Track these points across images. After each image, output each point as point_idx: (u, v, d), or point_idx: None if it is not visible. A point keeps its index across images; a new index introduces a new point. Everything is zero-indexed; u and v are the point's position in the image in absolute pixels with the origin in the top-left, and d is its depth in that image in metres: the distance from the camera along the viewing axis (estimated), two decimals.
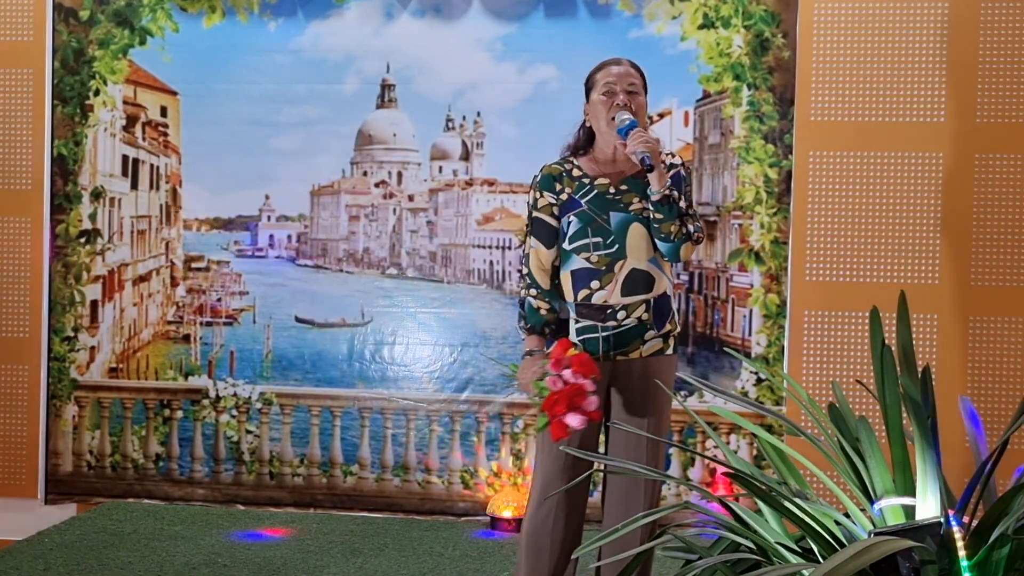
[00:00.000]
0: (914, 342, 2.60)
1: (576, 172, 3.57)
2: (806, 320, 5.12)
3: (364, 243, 5.65)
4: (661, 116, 5.30)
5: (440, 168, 5.58)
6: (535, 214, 3.59)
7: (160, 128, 5.61)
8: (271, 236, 5.68)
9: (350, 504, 5.49)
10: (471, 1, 5.40)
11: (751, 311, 5.22)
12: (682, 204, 3.47)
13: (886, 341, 2.45)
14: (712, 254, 5.28)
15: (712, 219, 5.26)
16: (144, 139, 5.62)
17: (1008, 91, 4.98)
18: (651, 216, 3.43)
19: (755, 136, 5.17)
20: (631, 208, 3.49)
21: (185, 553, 4.76)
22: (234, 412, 5.57)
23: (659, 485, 3.54)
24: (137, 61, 5.57)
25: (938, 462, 2.36)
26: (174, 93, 5.59)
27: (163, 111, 5.60)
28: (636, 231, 3.48)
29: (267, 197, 5.63)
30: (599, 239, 3.49)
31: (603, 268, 3.48)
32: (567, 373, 3.31)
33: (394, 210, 5.65)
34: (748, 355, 5.18)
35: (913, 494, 2.35)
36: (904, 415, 2.43)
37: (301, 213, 5.66)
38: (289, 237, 5.68)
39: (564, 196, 3.55)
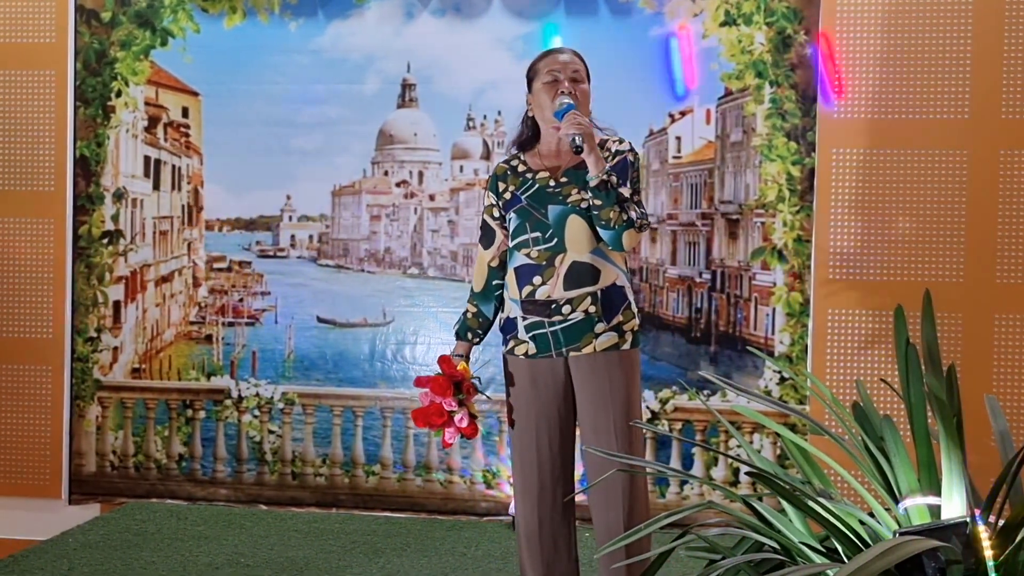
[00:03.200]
0: (939, 340, 2.58)
1: (521, 168, 3.57)
2: (829, 318, 5.09)
3: (385, 243, 5.66)
4: (683, 114, 5.28)
5: (461, 167, 5.58)
6: (482, 215, 3.63)
7: (182, 129, 5.62)
8: (292, 236, 5.68)
9: (372, 504, 5.49)
10: (492, 0, 5.40)
11: (774, 309, 5.19)
12: (625, 191, 3.41)
13: (911, 339, 2.43)
14: (735, 252, 5.26)
15: (735, 217, 5.24)
16: (166, 140, 5.64)
17: None
18: (590, 203, 3.38)
19: (777, 134, 5.14)
20: (569, 200, 3.45)
21: (208, 553, 4.77)
22: (256, 412, 5.58)
23: (640, 477, 3.50)
24: (159, 62, 5.59)
25: (964, 461, 2.35)
26: (195, 94, 5.60)
27: (184, 112, 5.62)
28: (575, 223, 3.44)
29: (288, 197, 5.64)
30: (538, 234, 3.47)
31: (543, 263, 3.45)
32: (427, 392, 3.46)
33: (415, 210, 5.65)
34: (771, 354, 5.16)
35: (938, 493, 2.34)
36: (929, 414, 2.41)
37: (322, 213, 5.66)
38: (310, 237, 5.69)
39: (507, 195, 3.54)
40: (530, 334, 3.47)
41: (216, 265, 5.67)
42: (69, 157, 5.56)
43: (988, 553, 2.17)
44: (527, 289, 3.46)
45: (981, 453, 3.14)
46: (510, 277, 3.52)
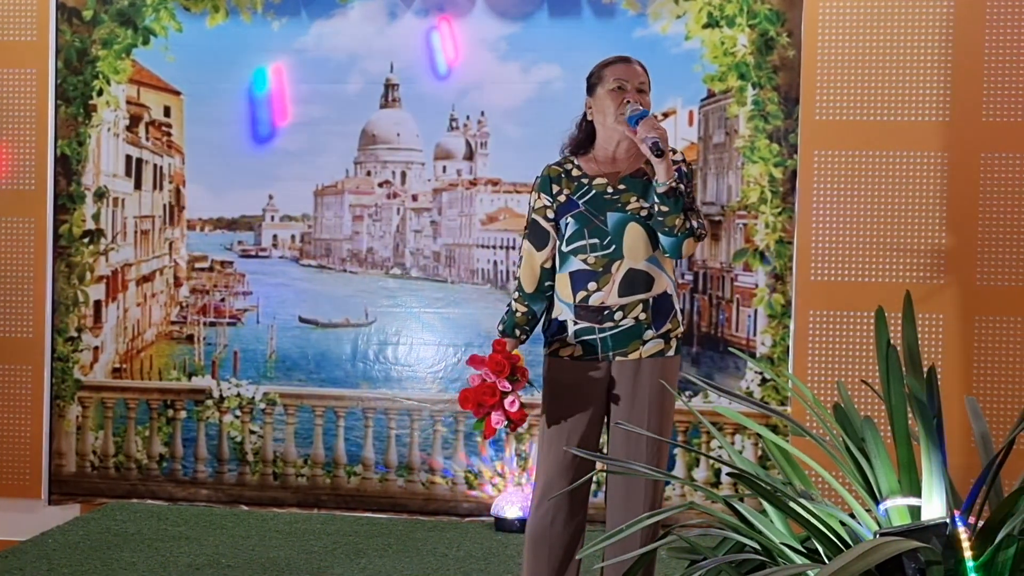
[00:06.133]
0: (919, 342, 2.59)
1: (575, 172, 3.54)
2: (811, 320, 5.10)
3: (368, 243, 5.65)
4: (665, 115, 5.28)
5: (444, 168, 5.57)
6: (532, 216, 3.59)
7: (163, 128, 5.60)
8: (275, 236, 5.67)
9: (354, 505, 5.49)
10: (475, 1, 5.39)
11: (756, 311, 5.20)
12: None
13: (891, 341, 2.44)
14: (717, 254, 5.27)
15: (717, 219, 5.25)
16: (147, 139, 5.62)
17: (1013, 90, 4.97)
18: (656, 209, 3.39)
19: (760, 135, 5.16)
20: (628, 208, 3.46)
21: (189, 554, 4.75)
22: (238, 412, 5.57)
23: (661, 485, 3.52)
24: (140, 61, 5.57)
25: (944, 462, 2.35)
26: (177, 93, 5.59)
27: (166, 111, 5.60)
28: (633, 231, 3.45)
29: (271, 197, 5.63)
30: (596, 240, 3.47)
31: (600, 269, 3.46)
32: (484, 372, 3.38)
33: (398, 210, 5.64)
34: (753, 355, 5.17)
35: (919, 494, 2.35)
36: (910, 415, 2.42)
37: (305, 213, 5.65)
38: (293, 237, 5.67)
39: (562, 198, 3.53)
40: (579, 338, 3.48)
41: (198, 265, 5.66)
42: (50, 156, 5.53)
43: (968, 554, 2.18)
44: (581, 294, 3.47)
45: (961, 454, 3.16)
46: (563, 281, 3.52)
